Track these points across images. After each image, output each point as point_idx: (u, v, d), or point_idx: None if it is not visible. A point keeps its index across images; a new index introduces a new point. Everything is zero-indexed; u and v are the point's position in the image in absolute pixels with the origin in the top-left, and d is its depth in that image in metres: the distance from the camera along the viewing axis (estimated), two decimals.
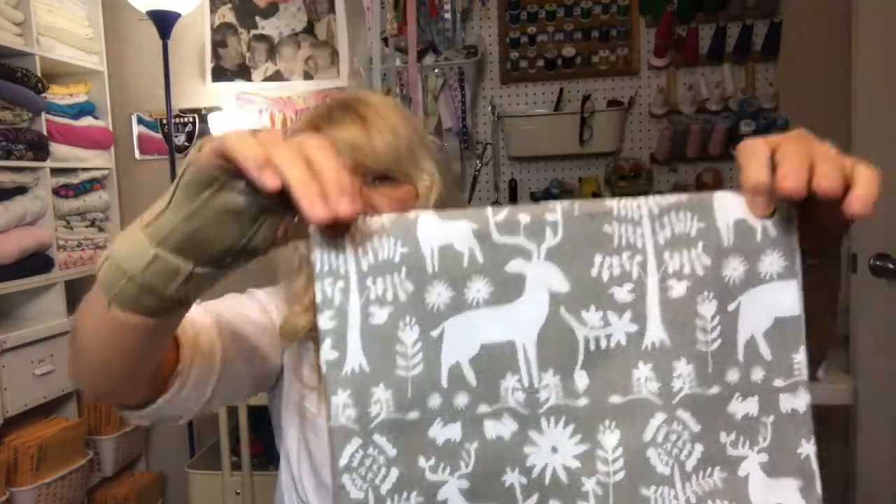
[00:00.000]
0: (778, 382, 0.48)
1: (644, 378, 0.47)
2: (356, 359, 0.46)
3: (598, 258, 0.46)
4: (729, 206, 0.47)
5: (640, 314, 0.47)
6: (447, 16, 2.14)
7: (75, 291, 2.35)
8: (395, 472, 0.47)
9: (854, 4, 2.08)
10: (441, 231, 0.45)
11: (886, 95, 2.06)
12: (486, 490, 0.47)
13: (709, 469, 0.48)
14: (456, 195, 0.98)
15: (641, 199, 0.46)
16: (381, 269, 0.45)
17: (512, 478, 0.47)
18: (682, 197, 0.47)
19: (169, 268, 0.48)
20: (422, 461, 0.47)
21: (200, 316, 0.75)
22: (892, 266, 2.06)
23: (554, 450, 0.47)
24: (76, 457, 1.96)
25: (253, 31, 2.39)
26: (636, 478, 0.47)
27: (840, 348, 2.19)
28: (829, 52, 2.17)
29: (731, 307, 0.47)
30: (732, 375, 0.48)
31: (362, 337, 0.46)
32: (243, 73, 2.40)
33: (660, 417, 0.47)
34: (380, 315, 0.46)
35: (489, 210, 0.45)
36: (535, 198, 2.28)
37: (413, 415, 0.46)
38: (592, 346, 0.47)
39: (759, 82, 2.20)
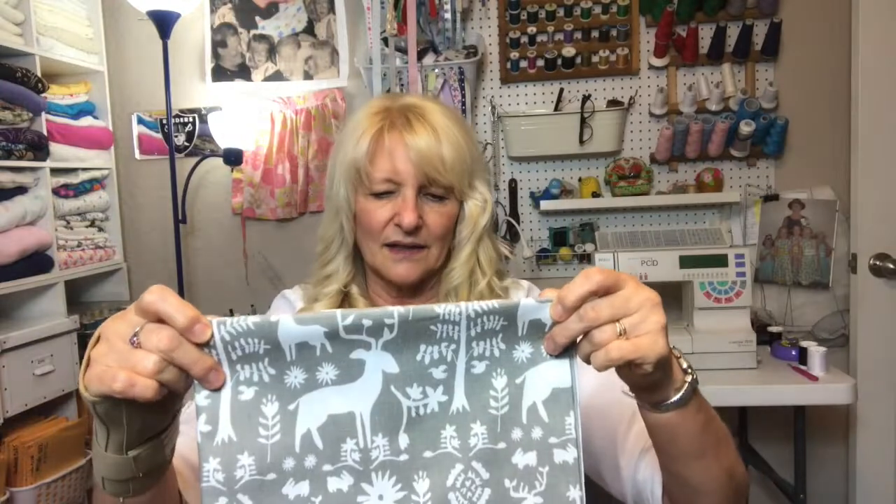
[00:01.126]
0: (552, 440, 0.60)
1: (449, 437, 0.59)
2: (225, 430, 0.56)
3: (423, 347, 0.58)
4: (529, 310, 0.58)
5: (449, 387, 0.59)
6: (447, 16, 2.14)
7: (75, 291, 2.35)
8: None
9: (854, 4, 2.08)
10: (297, 333, 0.55)
11: (886, 95, 2.06)
12: None
13: None
14: (495, 217, 1.02)
15: (463, 305, 0.57)
16: (248, 359, 0.55)
17: None
18: (495, 303, 0.57)
19: (124, 462, 0.57)
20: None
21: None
22: (892, 266, 2.06)
23: (381, 497, 0.59)
24: (76, 457, 1.96)
25: (253, 31, 2.39)
26: None
27: (840, 348, 2.20)
28: (829, 52, 2.17)
29: (518, 380, 0.60)
30: (517, 434, 0.60)
31: (231, 412, 0.56)
32: (243, 73, 2.40)
33: (459, 467, 0.59)
34: (246, 393, 0.56)
35: (338, 314, 0.55)
36: (535, 198, 2.28)
37: (271, 476, 0.57)
38: (413, 414, 0.59)
39: (759, 82, 2.20)
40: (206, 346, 0.54)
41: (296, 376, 0.56)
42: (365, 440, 0.58)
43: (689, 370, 0.63)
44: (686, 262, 1.87)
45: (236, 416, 0.56)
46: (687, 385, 0.62)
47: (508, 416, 0.60)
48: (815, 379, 1.74)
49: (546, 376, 0.59)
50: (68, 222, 2.19)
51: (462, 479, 0.59)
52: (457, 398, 0.59)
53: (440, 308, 0.57)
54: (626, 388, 0.73)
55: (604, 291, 0.57)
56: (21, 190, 1.98)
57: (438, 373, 0.59)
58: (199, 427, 0.55)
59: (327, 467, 0.58)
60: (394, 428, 0.59)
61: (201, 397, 0.55)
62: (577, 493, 0.59)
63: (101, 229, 2.36)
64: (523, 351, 0.59)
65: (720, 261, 1.86)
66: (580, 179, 2.28)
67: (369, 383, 0.58)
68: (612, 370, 0.65)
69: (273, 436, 0.57)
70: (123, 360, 0.52)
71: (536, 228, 2.34)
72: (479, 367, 0.59)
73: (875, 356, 2.11)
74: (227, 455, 0.56)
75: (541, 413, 0.60)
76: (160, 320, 0.53)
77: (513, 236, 2.23)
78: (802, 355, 1.82)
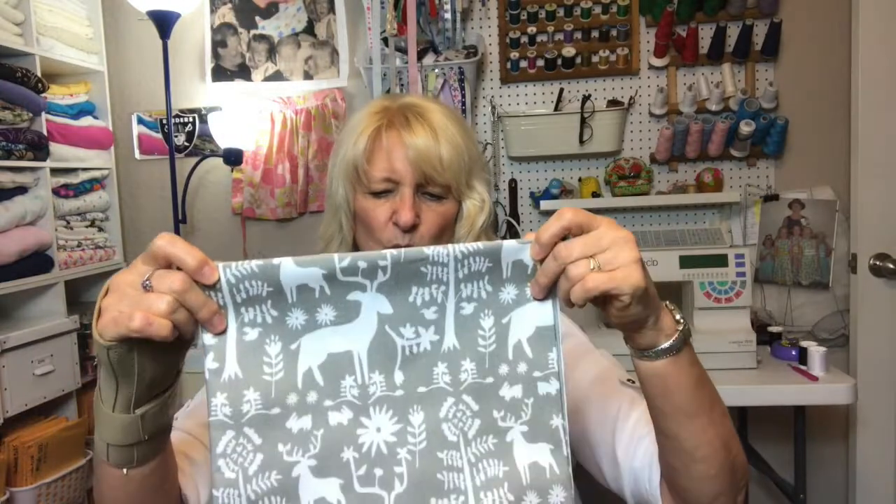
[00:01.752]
0: (536, 373, 0.64)
1: (441, 373, 0.64)
2: (232, 368, 0.60)
3: (414, 289, 0.62)
4: (511, 252, 0.62)
5: (440, 328, 0.63)
6: (447, 16, 2.14)
7: (75, 291, 2.35)
8: (259, 456, 0.61)
9: (854, 4, 2.08)
10: (297, 275, 0.59)
11: (886, 95, 2.06)
12: (329, 466, 0.62)
13: (485, 437, 0.65)
14: (494, 217, 1.03)
15: (451, 247, 0.61)
16: (252, 302, 0.59)
17: (348, 454, 0.63)
18: (480, 245, 0.61)
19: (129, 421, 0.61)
20: (280, 447, 0.61)
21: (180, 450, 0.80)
22: (892, 266, 2.06)
23: (378, 430, 0.63)
24: (76, 457, 1.96)
25: (253, 31, 2.39)
26: (434, 445, 0.64)
27: (840, 348, 2.20)
28: (829, 52, 2.17)
29: (504, 320, 0.64)
30: (503, 369, 0.64)
31: (237, 351, 0.60)
32: (243, 73, 2.40)
33: (450, 400, 0.64)
34: (251, 334, 0.60)
35: (335, 257, 0.59)
36: (535, 198, 2.28)
37: (275, 410, 0.61)
38: (407, 352, 0.63)
39: (759, 82, 2.20)
40: (212, 289, 0.58)
41: (297, 317, 0.61)
42: (363, 377, 0.63)
43: (682, 321, 0.66)
44: (686, 262, 1.87)
45: (242, 354, 0.60)
46: (678, 333, 0.65)
47: (495, 353, 0.64)
48: (815, 379, 1.74)
49: (530, 316, 0.64)
50: (68, 222, 2.19)
51: (454, 410, 0.64)
52: (447, 337, 0.64)
53: (429, 250, 0.61)
54: (625, 378, 0.73)
55: (577, 230, 0.60)
56: (21, 190, 1.98)
57: (430, 314, 0.63)
58: (206, 364, 0.60)
59: (328, 402, 0.62)
60: (389, 365, 0.63)
61: (209, 337, 0.59)
62: (559, 421, 0.64)
63: (101, 229, 2.36)
64: (508, 293, 0.64)
65: (720, 261, 1.86)
66: (580, 179, 2.28)
67: (365, 324, 0.62)
68: (611, 361, 0.69)
69: (277, 373, 0.61)
70: (137, 303, 0.55)
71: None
72: (468, 309, 0.64)
73: (875, 356, 2.11)
74: (234, 391, 0.60)
75: (525, 349, 0.64)
76: (168, 267, 0.57)
77: (513, 236, 2.23)
78: (802, 355, 1.82)
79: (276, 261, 0.58)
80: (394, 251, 0.60)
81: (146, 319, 0.54)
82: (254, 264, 0.58)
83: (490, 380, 0.64)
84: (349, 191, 0.94)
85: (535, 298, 0.63)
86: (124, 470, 0.63)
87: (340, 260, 0.59)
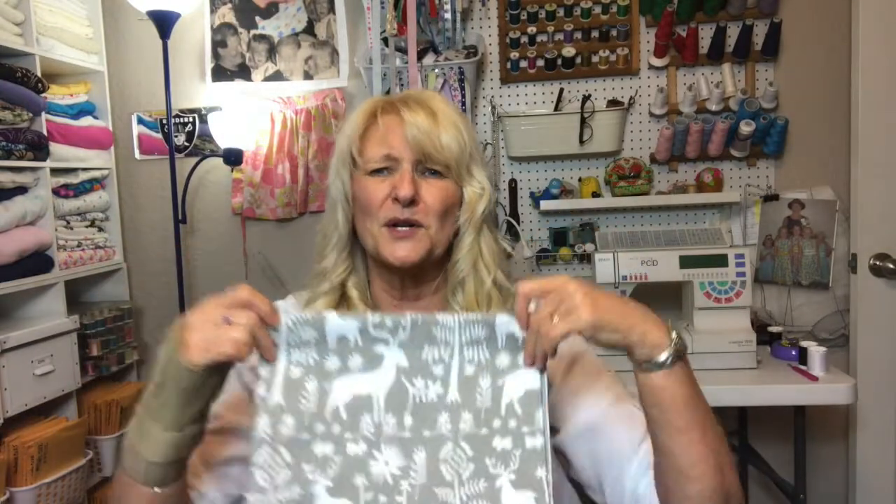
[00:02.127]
0: (524, 429, 0.73)
1: (444, 421, 0.74)
2: (277, 397, 0.74)
3: (427, 348, 0.74)
4: (503, 324, 0.73)
5: (445, 383, 0.75)
6: (447, 16, 2.14)
7: (75, 291, 2.35)
8: (287, 472, 0.73)
9: (854, 4, 2.08)
10: (339, 325, 0.73)
11: (886, 95, 2.06)
12: (343, 487, 0.73)
13: (477, 480, 0.73)
14: (496, 210, 1.02)
15: (456, 316, 0.73)
16: (300, 345, 0.74)
17: (359, 480, 0.73)
18: (479, 315, 0.74)
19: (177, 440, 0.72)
20: (305, 466, 0.73)
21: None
22: (892, 266, 2.06)
23: (387, 463, 0.73)
24: (76, 457, 1.96)
25: (253, 31, 2.39)
26: (432, 482, 0.73)
27: (840, 348, 2.20)
28: (829, 52, 2.17)
29: (499, 383, 0.74)
30: (496, 423, 0.74)
31: (284, 384, 0.74)
32: (243, 73, 2.40)
33: (449, 445, 0.74)
34: (295, 372, 0.74)
35: (369, 316, 0.73)
36: (535, 198, 2.28)
37: (305, 436, 0.73)
38: (417, 400, 0.74)
39: (759, 82, 2.20)
40: (273, 329, 0.72)
41: (333, 362, 0.74)
42: (379, 417, 0.74)
43: (675, 338, 0.72)
44: (686, 262, 1.87)
45: (286, 387, 0.73)
46: (670, 348, 0.71)
47: (490, 409, 0.74)
48: (815, 379, 1.74)
49: (521, 380, 0.74)
50: (68, 222, 2.19)
51: (452, 454, 0.74)
52: (451, 392, 0.74)
53: (440, 316, 0.73)
54: (637, 403, 0.76)
55: (540, 295, 0.71)
56: (21, 190, 1.97)
57: (438, 370, 0.74)
58: (258, 391, 0.74)
59: (348, 435, 0.74)
60: (401, 410, 0.74)
61: (264, 370, 0.73)
62: (543, 472, 0.72)
63: (101, 229, 2.36)
64: (503, 360, 0.75)
65: (720, 261, 1.86)
66: (580, 179, 2.28)
67: (386, 373, 0.74)
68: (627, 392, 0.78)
69: (310, 406, 0.74)
70: (222, 334, 0.69)
71: (536, 228, 2.34)
72: (470, 370, 0.75)
73: (875, 356, 2.11)
74: (276, 416, 0.73)
75: (516, 408, 0.74)
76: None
77: (513, 236, 2.23)
78: (802, 355, 1.82)
79: (324, 313, 0.73)
80: (413, 315, 0.73)
81: (234, 344, 0.68)
82: (307, 314, 0.73)
83: (485, 431, 0.74)
84: (346, 177, 0.94)
85: (526, 366, 0.73)
86: (156, 489, 0.72)
87: (373, 317, 0.73)
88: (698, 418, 0.72)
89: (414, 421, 0.74)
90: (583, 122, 2.17)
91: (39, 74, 2.00)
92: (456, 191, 0.93)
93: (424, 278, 0.96)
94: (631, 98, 2.24)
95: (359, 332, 0.73)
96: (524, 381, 0.74)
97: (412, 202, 0.89)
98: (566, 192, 2.26)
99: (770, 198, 2.20)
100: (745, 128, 2.10)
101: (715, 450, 0.73)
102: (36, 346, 1.88)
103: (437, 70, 2.17)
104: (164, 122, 2.43)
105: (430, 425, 0.74)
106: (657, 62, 2.22)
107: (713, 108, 2.19)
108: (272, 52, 2.39)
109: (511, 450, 0.73)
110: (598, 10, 2.21)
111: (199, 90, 2.44)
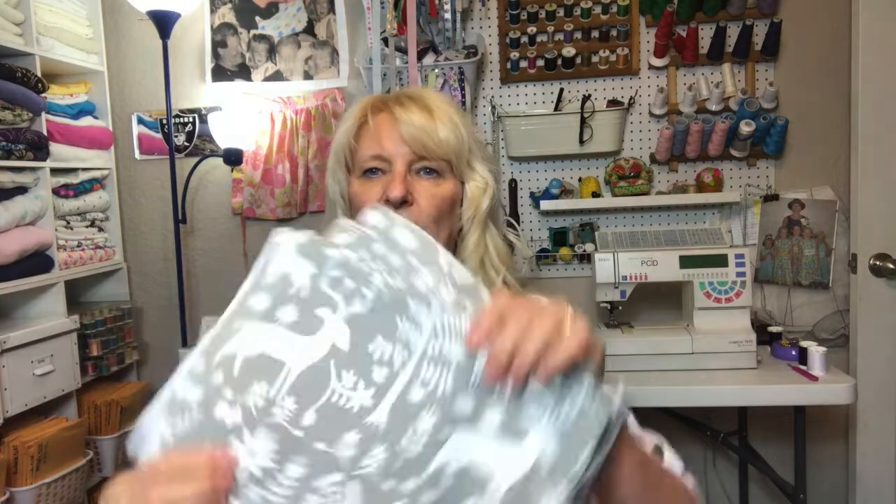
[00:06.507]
0: None
1: (350, 443, 0.53)
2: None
3: (379, 339, 0.54)
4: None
5: (379, 396, 0.53)
6: (447, 16, 2.14)
7: (75, 291, 2.35)
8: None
9: (854, 4, 2.08)
10: (290, 261, 0.56)
11: (886, 95, 2.06)
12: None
13: None
14: (499, 206, 0.99)
15: (437, 306, 0.52)
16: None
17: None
18: (465, 323, 0.52)
19: None
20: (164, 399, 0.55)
21: None
22: (892, 266, 2.06)
23: (252, 454, 0.53)
24: (76, 457, 1.96)
25: (253, 31, 2.39)
26: None
27: (840, 348, 2.20)
28: (829, 52, 2.17)
29: (441, 436, 0.52)
30: (410, 484, 0.52)
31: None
32: (243, 73, 2.40)
33: (336, 477, 0.53)
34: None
35: (331, 257, 0.55)
36: (535, 198, 2.28)
37: (196, 367, 0.55)
38: (333, 399, 0.54)
39: (759, 82, 2.20)
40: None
41: (259, 300, 0.56)
42: (275, 394, 0.54)
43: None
44: (686, 262, 1.87)
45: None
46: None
47: (412, 462, 0.52)
48: (815, 379, 1.74)
49: (469, 445, 0.52)
50: (68, 222, 2.19)
51: (333, 489, 0.53)
52: (378, 412, 0.53)
53: (412, 302, 0.53)
54: (653, 443, 0.72)
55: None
56: (21, 190, 1.97)
57: (379, 374, 0.54)
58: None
59: (227, 393, 0.54)
60: (308, 401, 0.54)
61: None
62: None
63: (101, 229, 2.36)
64: (464, 406, 0.52)
65: (720, 261, 1.86)
66: (580, 179, 2.28)
67: (315, 347, 0.55)
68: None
69: (207, 337, 0.57)
70: None
71: (536, 228, 2.34)
72: (416, 395, 0.53)
73: (875, 356, 2.11)
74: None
75: (442, 479, 0.52)
76: None
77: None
78: (802, 355, 1.82)
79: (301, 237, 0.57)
80: (386, 283, 0.54)
81: None
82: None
83: (389, 485, 0.52)
84: (342, 179, 0.93)
85: (496, 433, 0.52)
86: None
87: (333, 268, 0.55)
88: (654, 478, 0.65)
89: (316, 422, 0.54)
90: (583, 122, 2.17)
91: (39, 74, 2.00)
92: (456, 188, 0.90)
93: None
94: (631, 98, 2.24)
95: (309, 279, 0.55)
96: (482, 459, 0.52)
97: (404, 202, 0.85)
98: (566, 192, 2.26)
99: (770, 198, 2.20)
100: (745, 128, 2.09)
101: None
102: (36, 346, 1.88)
103: (437, 70, 2.17)
104: (164, 122, 2.43)
105: (331, 439, 0.53)
106: (657, 62, 2.22)
107: (713, 108, 2.19)
108: (272, 52, 2.39)
109: None
110: (598, 10, 2.21)
111: (199, 90, 2.44)
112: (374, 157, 0.89)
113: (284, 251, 0.55)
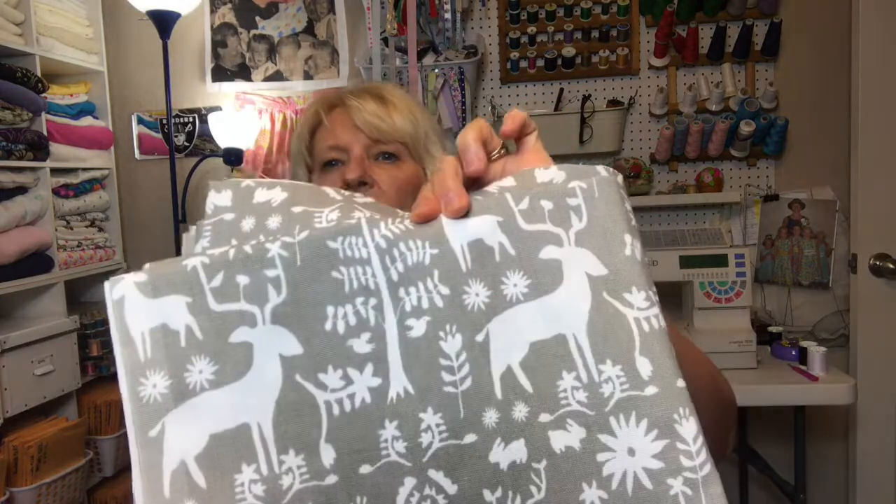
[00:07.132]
0: (544, 417, 0.39)
1: (391, 438, 0.39)
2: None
3: (330, 309, 0.39)
4: (460, 227, 0.40)
5: (381, 364, 0.39)
6: (447, 16, 2.14)
7: (75, 291, 2.35)
8: None
9: (854, 4, 2.08)
10: (150, 315, 0.39)
11: (886, 95, 2.06)
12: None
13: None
14: None
15: (366, 229, 0.40)
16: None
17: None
18: (410, 224, 0.41)
19: None
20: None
21: None
22: (892, 266, 2.06)
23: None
24: (76, 457, 1.96)
25: (253, 31, 2.39)
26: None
27: (840, 348, 2.20)
28: (829, 52, 2.17)
29: (478, 337, 0.39)
30: (490, 417, 0.39)
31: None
32: (243, 73, 2.40)
33: (410, 483, 0.39)
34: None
35: (201, 271, 0.39)
36: None
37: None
38: (336, 411, 0.39)
39: (759, 82, 2.20)
40: None
41: (154, 385, 0.38)
42: (270, 464, 0.38)
43: None
44: (686, 262, 1.87)
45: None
46: None
47: (473, 394, 0.39)
48: (815, 379, 1.74)
49: (517, 327, 0.39)
50: (68, 222, 2.19)
51: (417, 498, 0.39)
52: (394, 378, 0.39)
53: (336, 242, 0.39)
54: None
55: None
56: (21, 190, 1.98)
57: (361, 344, 0.39)
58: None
59: None
60: (311, 438, 0.39)
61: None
62: (592, 493, 0.38)
63: (101, 229, 2.36)
64: (477, 294, 0.40)
65: (720, 261, 1.86)
66: None
67: (264, 376, 0.39)
68: None
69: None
70: None
71: None
72: (419, 327, 0.40)
73: (875, 356, 2.11)
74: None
75: (520, 380, 0.39)
76: None
77: None
78: (802, 355, 1.82)
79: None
80: (283, 250, 0.39)
81: None
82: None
83: (471, 438, 0.39)
84: (305, 174, 0.95)
85: (520, 297, 0.40)
86: None
87: (211, 277, 0.39)
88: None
89: (339, 453, 0.39)
90: (583, 122, 2.17)
91: (39, 74, 2.00)
92: (417, 172, 0.92)
93: None
94: (631, 98, 2.24)
95: (188, 313, 0.39)
96: (524, 326, 0.40)
97: (363, 184, 0.87)
98: None
99: (770, 198, 2.20)
100: (745, 128, 2.09)
101: (702, 362, 0.66)
102: (36, 346, 1.88)
103: (437, 70, 2.17)
104: (164, 122, 2.43)
105: (369, 451, 0.39)
106: (657, 62, 2.22)
107: (713, 108, 2.19)
108: (272, 52, 2.39)
109: (528, 463, 0.39)
110: (598, 10, 2.21)
111: (199, 90, 2.44)
112: (330, 147, 0.90)
113: (132, 304, 0.38)
